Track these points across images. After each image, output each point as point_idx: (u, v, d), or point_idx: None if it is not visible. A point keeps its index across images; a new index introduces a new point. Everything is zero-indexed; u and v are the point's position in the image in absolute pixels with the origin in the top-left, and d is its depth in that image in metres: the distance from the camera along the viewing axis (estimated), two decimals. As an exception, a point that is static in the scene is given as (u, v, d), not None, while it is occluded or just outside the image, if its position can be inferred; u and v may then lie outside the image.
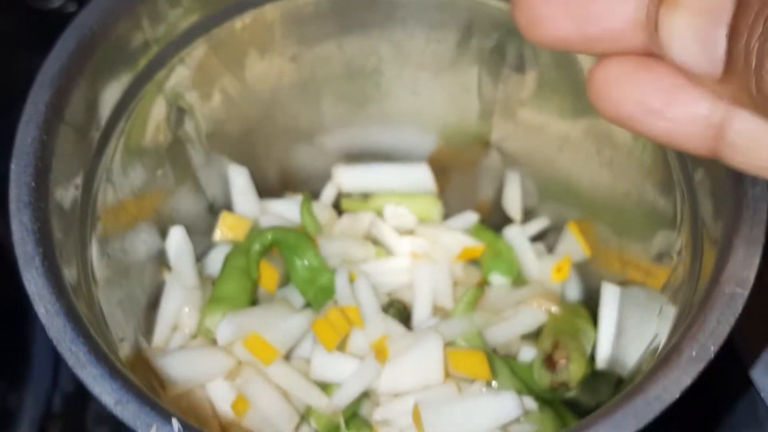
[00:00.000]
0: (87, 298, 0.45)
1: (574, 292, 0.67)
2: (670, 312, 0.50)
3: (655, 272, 0.55)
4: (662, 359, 0.40)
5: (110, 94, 0.49)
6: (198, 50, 0.53)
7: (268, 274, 0.59)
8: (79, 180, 0.47)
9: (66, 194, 0.45)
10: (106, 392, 0.38)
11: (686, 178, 0.49)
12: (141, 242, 0.56)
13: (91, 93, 0.47)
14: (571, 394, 0.64)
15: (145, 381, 0.51)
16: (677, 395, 0.39)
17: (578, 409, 0.63)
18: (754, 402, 0.52)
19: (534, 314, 0.62)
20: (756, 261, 0.42)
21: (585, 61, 0.53)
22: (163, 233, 0.59)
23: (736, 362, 0.51)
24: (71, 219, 0.46)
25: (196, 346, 0.56)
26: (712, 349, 0.40)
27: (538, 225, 0.68)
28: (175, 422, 0.37)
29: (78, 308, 0.40)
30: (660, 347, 0.48)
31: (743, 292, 0.41)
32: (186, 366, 0.52)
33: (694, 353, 0.40)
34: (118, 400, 0.37)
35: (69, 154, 0.45)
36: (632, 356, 0.58)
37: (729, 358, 0.52)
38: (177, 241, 0.58)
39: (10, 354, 0.66)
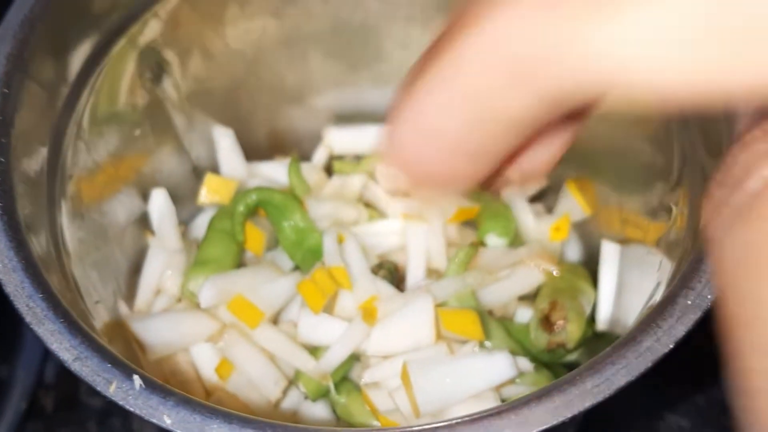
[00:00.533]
0: (56, 259, 0.43)
1: (573, 252, 0.64)
2: (669, 267, 0.47)
3: (654, 228, 0.52)
4: (656, 308, 0.37)
5: (79, 49, 0.46)
6: (172, 2, 0.50)
7: (255, 237, 0.56)
8: (45, 137, 0.44)
9: (30, 150, 0.43)
10: (64, 348, 0.35)
11: (684, 129, 0.46)
12: (120, 204, 0.53)
13: (57, 46, 0.45)
14: (571, 357, 0.61)
15: (124, 346, 0.49)
16: (671, 346, 0.36)
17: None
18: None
19: (531, 274, 0.59)
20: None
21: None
22: (146, 196, 0.56)
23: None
24: (38, 177, 0.43)
25: (180, 310, 0.54)
26: (710, 298, 0.37)
27: (536, 185, 0.64)
28: (136, 378, 0.35)
29: (38, 264, 0.38)
30: (657, 300, 0.45)
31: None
32: (165, 330, 0.50)
33: (689, 301, 0.37)
34: (77, 356, 0.35)
35: (34, 109, 0.43)
36: (633, 317, 0.55)
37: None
38: (159, 203, 0.56)
39: (1, 324, 0.64)
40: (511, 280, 0.58)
